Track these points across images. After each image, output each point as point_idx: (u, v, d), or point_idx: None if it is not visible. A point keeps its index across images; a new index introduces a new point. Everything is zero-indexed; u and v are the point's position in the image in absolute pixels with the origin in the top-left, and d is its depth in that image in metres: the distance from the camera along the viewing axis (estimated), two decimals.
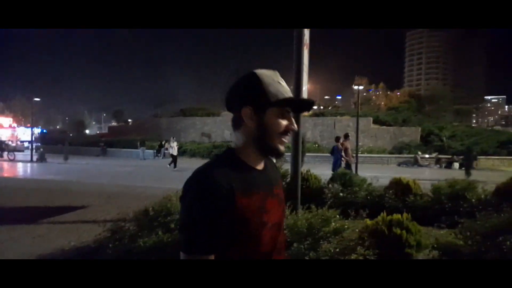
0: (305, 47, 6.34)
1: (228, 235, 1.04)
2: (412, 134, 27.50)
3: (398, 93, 70.04)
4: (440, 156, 23.01)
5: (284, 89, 1.14)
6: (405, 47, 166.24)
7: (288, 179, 6.06)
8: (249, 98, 1.11)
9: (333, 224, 3.87)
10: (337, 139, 12.50)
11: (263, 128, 1.11)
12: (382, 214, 3.96)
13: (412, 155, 23.37)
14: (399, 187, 7.27)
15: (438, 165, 22.15)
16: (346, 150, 12.23)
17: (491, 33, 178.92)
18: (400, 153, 24.75)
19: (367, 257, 3.33)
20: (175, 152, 19.05)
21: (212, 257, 1.03)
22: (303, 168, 6.85)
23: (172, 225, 4.97)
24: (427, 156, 23.39)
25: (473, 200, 6.45)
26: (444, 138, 24.74)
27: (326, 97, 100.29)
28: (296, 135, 5.32)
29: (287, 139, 1.16)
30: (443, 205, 6.47)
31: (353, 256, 3.31)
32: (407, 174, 11.32)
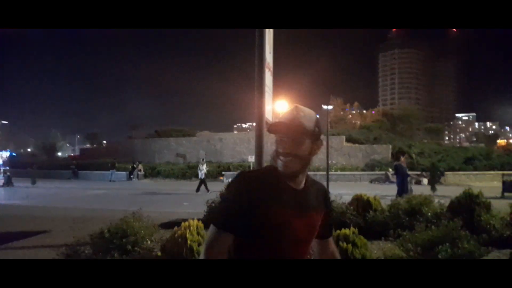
0: (267, 70, 6.62)
1: (248, 230, 1.26)
2: (383, 151, 28.20)
3: (373, 112, 72.08)
4: (410, 172, 23.57)
5: None
6: (379, 68, 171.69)
7: None
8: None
9: None
10: (398, 156, 11.19)
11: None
12: None
13: (384, 172, 23.90)
14: (360, 203, 7.48)
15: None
16: None
17: (461, 52, 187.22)
18: (372, 170, 25.22)
19: None
20: (202, 175, 17.57)
21: (229, 235, 1.25)
22: None
23: (129, 247, 4.94)
24: None
25: (429, 214, 6.72)
26: (414, 155, 25.44)
27: None
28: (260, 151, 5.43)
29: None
30: (400, 219, 6.69)
31: None
32: (377, 190, 11.45)
